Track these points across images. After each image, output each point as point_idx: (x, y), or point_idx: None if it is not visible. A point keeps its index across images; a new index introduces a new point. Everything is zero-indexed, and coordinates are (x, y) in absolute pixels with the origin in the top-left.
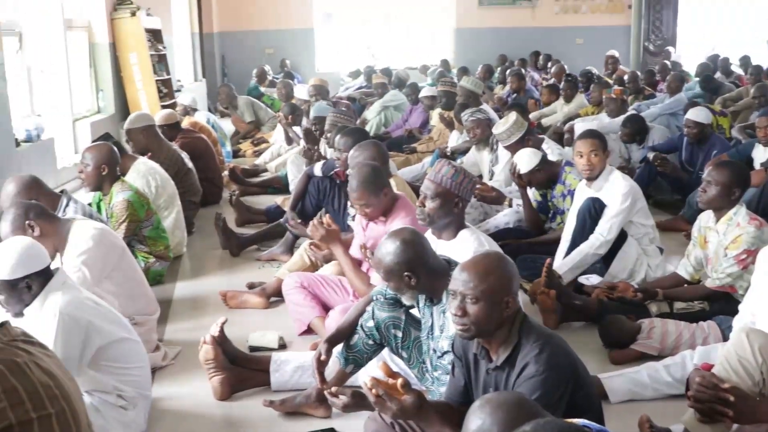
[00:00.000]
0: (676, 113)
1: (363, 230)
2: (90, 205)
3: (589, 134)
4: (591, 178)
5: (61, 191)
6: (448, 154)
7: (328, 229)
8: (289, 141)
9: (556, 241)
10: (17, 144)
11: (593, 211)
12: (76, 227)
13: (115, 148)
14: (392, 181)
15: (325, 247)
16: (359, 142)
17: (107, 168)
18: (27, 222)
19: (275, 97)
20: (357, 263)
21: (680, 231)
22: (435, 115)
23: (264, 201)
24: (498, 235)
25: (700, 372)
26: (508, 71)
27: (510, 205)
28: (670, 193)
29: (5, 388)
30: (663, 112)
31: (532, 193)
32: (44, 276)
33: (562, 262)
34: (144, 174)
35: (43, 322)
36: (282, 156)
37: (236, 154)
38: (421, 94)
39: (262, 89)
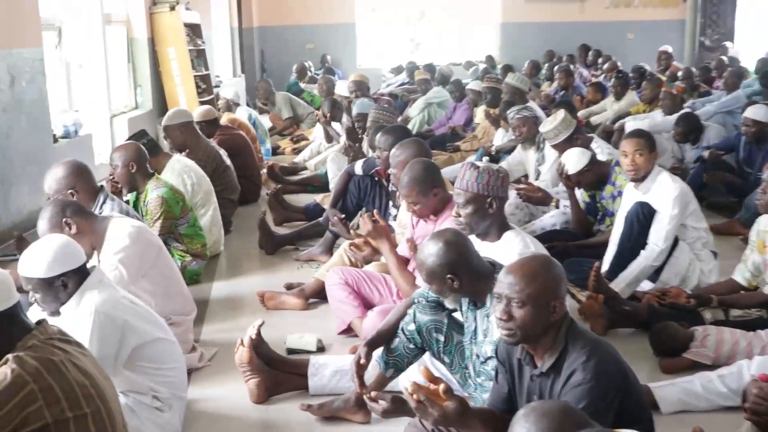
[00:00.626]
0: (733, 111)
1: (413, 227)
2: (127, 203)
3: (635, 133)
4: (637, 180)
5: (100, 187)
6: (493, 153)
7: (376, 224)
8: (329, 138)
9: (605, 244)
10: (55, 140)
11: (641, 216)
12: (113, 225)
13: (142, 146)
14: None
15: (366, 247)
16: (401, 141)
17: (135, 165)
18: (64, 219)
19: (315, 93)
20: (403, 262)
21: (736, 235)
22: (480, 112)
23: (303, 199)
24: (544, 237)
25: (758, 383)
26: (555, 67)
27: (557, 207)
28: (725, 194)
29: (41, 386)
30: (719, 110)
31: (580, 194)
32: (80, 274)
33: (619, 278)
34: (179, 172)
35: (79, 320)
36: (322, 154)
37: (275, 151)
38: (468, 86)
39: (302, 85)
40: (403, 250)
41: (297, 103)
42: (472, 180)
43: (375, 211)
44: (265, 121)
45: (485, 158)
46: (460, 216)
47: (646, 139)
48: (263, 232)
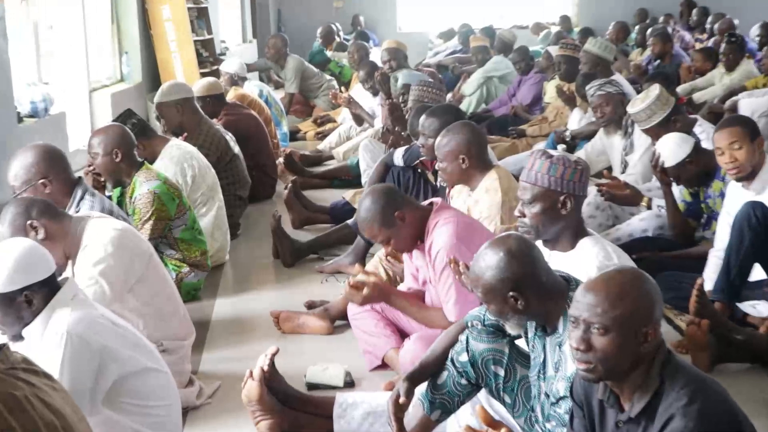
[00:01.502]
0: None
1: (412, 259)
2: (110, 198)
3: (727, 123)
4: (743, 179)
5: (78, 179)
6: (568, 139)
7: (374, 283)
8: (360, 121)
9: None
10: (20, 119)
11: (754, 220)
12: (91, 228)
13: (128, 129)
14: (493, 174)
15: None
16: (450, 125)
17: (120, 152)
18: (29, 222)
19: (345, 63)
20: (420, 298)
21: None
22: (550, 87)
23: (328, 196)
24: (632, 246)
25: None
26: (649, 30)
27: (649, 207)
28: None
29: (1, 428)
30: None
31: (680, 192)
32: (48, 288)
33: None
34: (178, 159)
35: (47, 345)
36: (352, 140)
37: (294, 135)
38: (538, 56)
39: (329, 53)
40: (409, 282)
41: (310, 74)
42: (543, 172)
43: (357, 266)
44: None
45: (560, 147)
46: (524, 216)
47: (742, 126)
48: (278, 238)
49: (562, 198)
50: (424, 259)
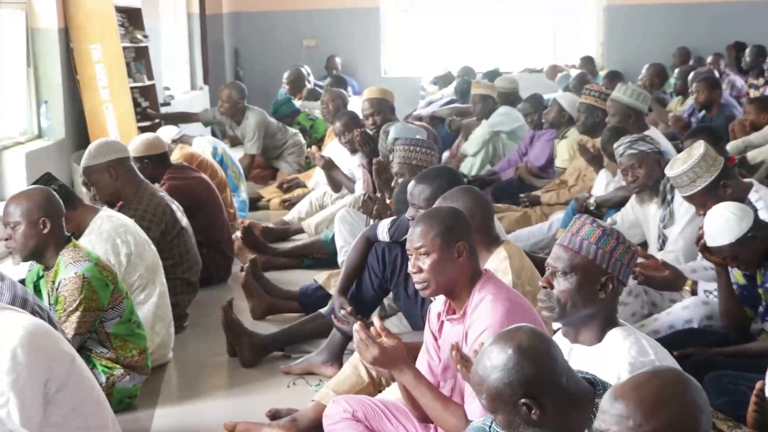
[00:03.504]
0: None
1: (435, 334)
2: (23, 283)
3: None
4: None
5: None
6: (592, 207)
7: (384, 345)
8: (336, 186)
9: None
10: None
11: None
12: None
13: (54, 193)
14: (501, 252)
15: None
16: (445, 192)
17: (49, 222)
18: None
19: (317, 116)
20: (435, 388)
21: None
22: (563, 147)
23: (297, 279)
24: (674, 341)
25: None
26: (691, 74)
27: (693, 292)
28: None
29: None
30: None
31: (733, 274)
32: None
33: None
34: (109, 235)
35: None
36: (327, 209)
37: (255, 203)
38: (558, 95)
39: (298, 103)
40: (423, 366)
41: (273, 130)
42: (591, 241)
43: (376, 317)
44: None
45: (610, 219)
46: (551, 287)
47: None
48: (233, 332)
49: (604, 278)
50: (458, 335)
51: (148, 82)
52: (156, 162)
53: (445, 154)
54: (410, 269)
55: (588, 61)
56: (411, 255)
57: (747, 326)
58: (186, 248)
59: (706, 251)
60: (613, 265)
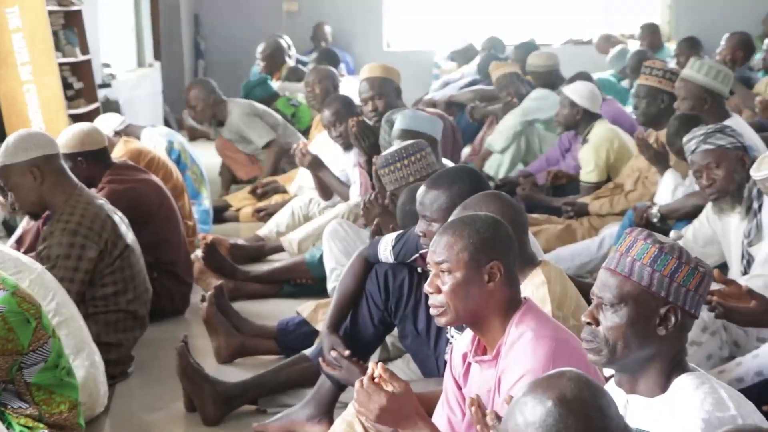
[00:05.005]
0: None
1: (459, 380)
2: None
3: None
4: None
5: None
6: (655, 219)
7: (393, 393)
8: (326, 192)
9: None
10: None
11: None
12: None
13: None
14: (539, 275)
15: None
16: (465, 200)
17: None
18: None
19: (301, 101)
20: None
21: None
22: (593, 149)
23: (274, 311)
24: (764, 391)
25: None
26: None
27: None
28: None
29: None
30: None
31: None
32: None
33: None
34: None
35: None
36: (313, 222)
37: (221, 214)
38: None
39: (275, 84)
40: (442, 424)
41: (270, 120)
42: (645, 262)
43: (377, 364)
44: (209, 155)
45: (673, 233)
46: (596, 324)
47: None
48: (191, 379)
49: (664, 310)
50: (490, 382)
51: (82, 57)
52: (93, 160)
53: (466, 150)
54: (426, 288)
55: (651, 30)
56: (431, 270)
57: None
58: (132, 272)
59: None
60: (676, 293)
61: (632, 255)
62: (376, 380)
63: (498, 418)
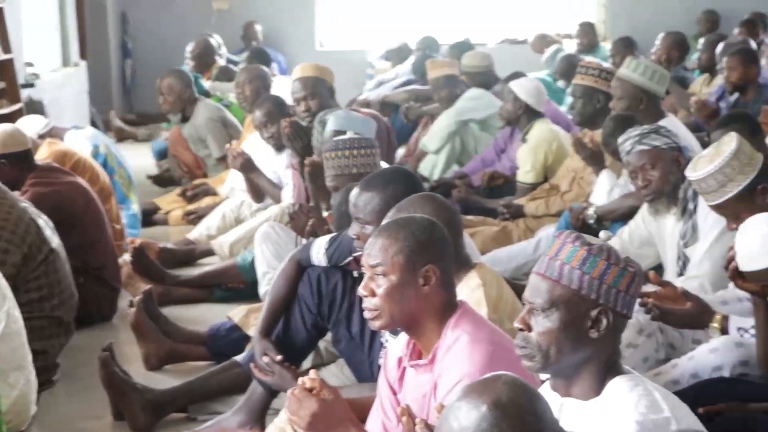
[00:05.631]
0: None
1: (394, 385)
2: None
3: None
4: None
5: None
6: (591, 220)
7: (324, 400)
8: (258, 194)
9: None
10: None
11: None
12: None
13: None
14: (474, 278)
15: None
16: (401, 200)
17: None
18: None
19: (232, 101)
20: None
21: None
22: (530, 150)
23: (205, 316)
24: (699, 393)
25: None
26: (720, 46)
27: (723, 331)
28: None
29: None
30: None
31: None
32: None
33: None
34: None
35: None
36: (244, 225)
37: (150, 217)
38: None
39: (207, 84)
40: (376, 430)
41: (238, 134)
42: (574, 265)
43: (314, 377)
44: (137, 157)
45: (603, 233)
46: (529, 330)
47: None
48: (116, 388)
49: (595, 312)
50: (426, 387)
51: (3, 56)
52: (16, 162)
53: (401, 151)
54: (360, 291)
55: (587, 30)
56: (365, 273)
57: None
58: (57, 277)
59: (739, 278)
60: (606, 294)
61: (561, 258)
62: (308, 386)
63: (428, 426)
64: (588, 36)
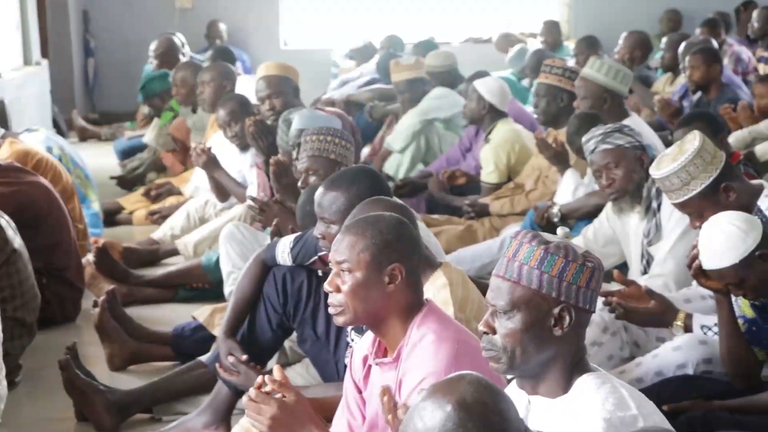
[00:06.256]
0: None
1: (360, 384)
2: None
3: None
4: None
5: None
6: (555, 219)
7: (285, 402)
8: (222, 193)
9: None
10: None
11: None
12: None
13: None
14: (439, 277)
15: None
16: (364, 200)
17: None
18: None
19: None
20: None
21: None
22: (493, 150)
23: (169, 316)
24: (663, 391)
25: None
26: (683, 45)
27: (687, 329)
28: None
29: None
30: None
31: (737, 305)
32: None
33: None
34: None
35: None
36: (209, 224)
37: (113, 217)
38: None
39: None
40: (341, 429)
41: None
42: (532, 265)
43: (277, 367)
44: (96, 156)
45: (561, 230)
46: (493, 332)
47: None
48: (78, 390)
49: (557, 310)
50: (390, 382)
51: None
52: None
53: (365, 150)
54: (326, 286)
55: (552, 28)
56: (332, 268)
57: (756, 371)
58: (19, 278)
59: (703, 276)
60: (567, 291)
61: (519, 259)
62: (267, 389)
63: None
64: (552, 35)
